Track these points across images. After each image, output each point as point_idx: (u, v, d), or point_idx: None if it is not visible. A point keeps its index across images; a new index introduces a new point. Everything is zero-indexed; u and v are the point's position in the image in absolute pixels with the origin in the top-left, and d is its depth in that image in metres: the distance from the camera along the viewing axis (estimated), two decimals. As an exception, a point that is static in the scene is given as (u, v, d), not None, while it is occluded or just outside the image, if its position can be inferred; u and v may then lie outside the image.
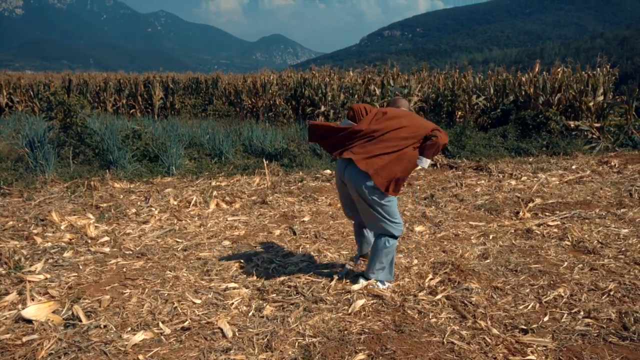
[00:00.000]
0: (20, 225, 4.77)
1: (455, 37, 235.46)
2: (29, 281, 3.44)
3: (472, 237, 4.46)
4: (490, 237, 4.46)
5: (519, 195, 5.93)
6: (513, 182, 6.64)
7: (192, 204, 5.54)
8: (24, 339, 2.68)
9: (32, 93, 17.09)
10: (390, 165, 3.06)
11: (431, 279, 3.45)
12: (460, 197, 5.93)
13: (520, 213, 5.11)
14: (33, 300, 3.13)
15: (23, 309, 2.96)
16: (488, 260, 3.82)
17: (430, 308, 3.05)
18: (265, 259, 3.91)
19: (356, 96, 11.62)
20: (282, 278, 3.50)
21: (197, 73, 19.37)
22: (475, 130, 10.60)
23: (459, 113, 12.03)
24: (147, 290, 3.33)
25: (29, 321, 2.87)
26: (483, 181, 6.77)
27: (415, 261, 3.84)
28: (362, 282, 3.31)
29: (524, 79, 11.93)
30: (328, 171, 7.46)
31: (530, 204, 5.46)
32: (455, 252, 4.06)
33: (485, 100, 12.13)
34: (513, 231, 4.62)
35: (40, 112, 14.65)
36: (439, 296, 3.19)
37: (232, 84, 15.57)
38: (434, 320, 2.91)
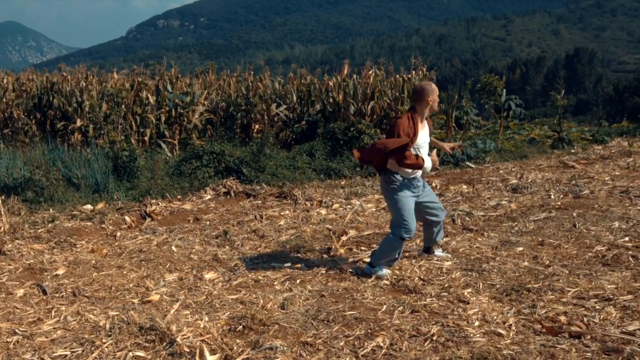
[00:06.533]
0: None
1: (250, 29, 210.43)
2: None
3: (275, 283, 4.18)
4: (298, 280, 4.21)
5: (330, 227, 5.71)
6: (323, 212, 6.39)
7: None
8: None
9: None
10: None
11: (227, 339, 3.19)
12: (261, 232, 5.62)
13: (333, 249, 4.93)
14: None
15: None
16: (294, 309, 3.63)
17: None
18: (4, 330, 3.43)
19: (123, 106, 9.86)
20: (28, 355, 3.11)
21: None
22: (276, 148, 9.86)
23: (256, 126, 10.87)
24: None
25: None
26: (287, 211, 6.42)
27: (206, 318, 3.52)
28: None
29: (331, 83, 11.39)
30: (89, 206, 6.53)
31: (344, 238, 5.29)
32: (255, 302, 3.76)
33: (287, 110, 11.20)
34: (324, 272, 4.41)
35: None
36: (238, 360, 2.91)
37: None
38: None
